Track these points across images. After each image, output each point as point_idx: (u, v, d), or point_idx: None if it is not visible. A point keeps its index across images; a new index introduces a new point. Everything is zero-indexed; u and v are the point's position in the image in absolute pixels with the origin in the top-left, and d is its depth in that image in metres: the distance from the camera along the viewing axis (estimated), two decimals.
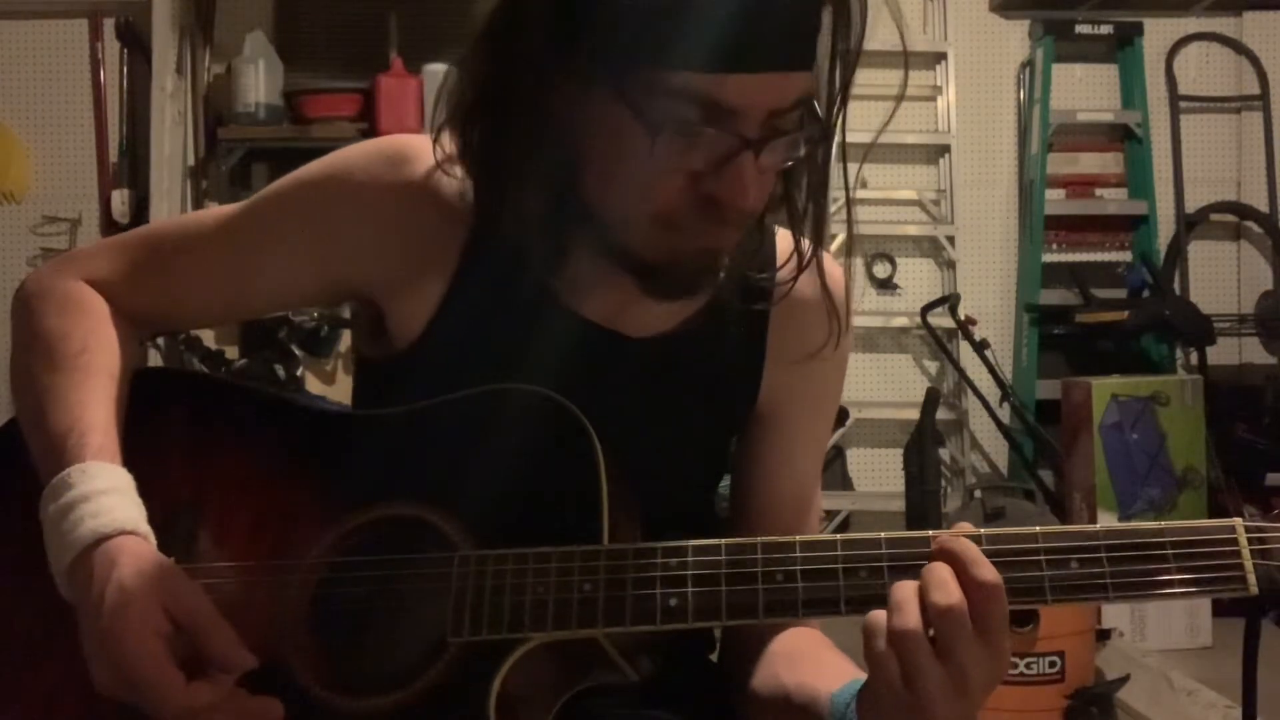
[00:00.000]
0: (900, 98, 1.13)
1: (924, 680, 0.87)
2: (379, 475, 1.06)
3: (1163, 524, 0.94)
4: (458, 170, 1.08)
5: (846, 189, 1.06)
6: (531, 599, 0.96)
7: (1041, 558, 0.93)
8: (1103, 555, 0.93)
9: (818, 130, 1.01)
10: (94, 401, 1.05)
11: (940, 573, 0.89)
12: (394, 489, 1.05)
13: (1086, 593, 0.93)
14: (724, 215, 0.99)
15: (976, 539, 0.93)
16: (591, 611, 0.96)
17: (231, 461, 1.12)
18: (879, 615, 0.90)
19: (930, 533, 0.94)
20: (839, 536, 0.96)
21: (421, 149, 1.12)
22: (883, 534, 0.95)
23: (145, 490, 1.02)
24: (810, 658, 1.12)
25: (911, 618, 0.88)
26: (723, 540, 0.97)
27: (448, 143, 1.08)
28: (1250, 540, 0.92)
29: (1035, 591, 0.92)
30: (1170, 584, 0.92)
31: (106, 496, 0.98)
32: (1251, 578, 0.92)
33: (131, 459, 1.04)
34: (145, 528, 0.99)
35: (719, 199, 0.98)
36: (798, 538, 0.97)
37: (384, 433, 1.09)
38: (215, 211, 1.18)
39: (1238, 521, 0.93)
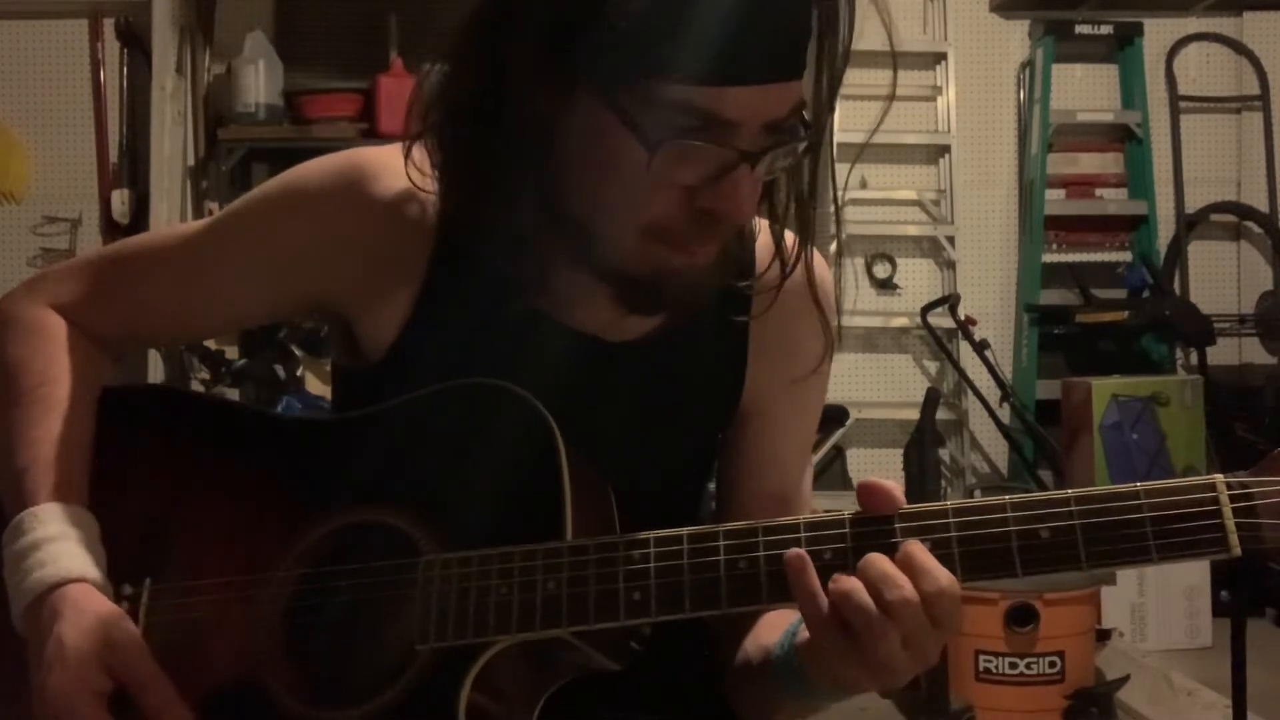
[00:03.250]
0: (891, 97, 1.12)
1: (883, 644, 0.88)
2: (345, 482, 1.05)
3: (1138, 486, 0.89)
4: (428, 182, 1.06)
5: (834, 190, 1.04)
6: (495, 601, 0.95)
7: (1011, 529, 0.89)
8: (1075, 523, 0.89)
9: (812, 137, 0.99)
10: (51, 437, 1.06)
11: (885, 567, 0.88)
12: (359, 494, 1.03)
13: (1058, 563, 0.88)
14: (716, 229, 0.98)
15: (944, 511, 0.91)
16: (555, 610, 0.94)
17: (197, 476, 1.11)
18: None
19: (892, 511, 0.92)
20: (801, 519, 0.93)
21: (381, 164, 1.09)
22: (846, 513, 0.93)
23: (113, 510, 1.02)
24: (769, 621, 1.10)
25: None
26: (684, 530, 0.95)
27: (418, 153, 1.06)
28: (1233, 498, 0.87)
29: (1004, 566, 0.89)
30: (1147, 550, 0.87)
31: (54, 544, 0.99)
32: (1234, 538, 0.86)
33: (99, 479, 1.04)
34: (93, 573, 1.00)
35: (713, 212, 0.97)
36: (760, 523, 0.94)
37: (348, 438, 1.08)
38: (180, 229, 1.18)
39: (1219, 478, 0.87)
